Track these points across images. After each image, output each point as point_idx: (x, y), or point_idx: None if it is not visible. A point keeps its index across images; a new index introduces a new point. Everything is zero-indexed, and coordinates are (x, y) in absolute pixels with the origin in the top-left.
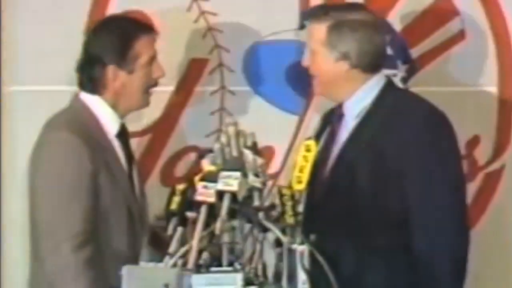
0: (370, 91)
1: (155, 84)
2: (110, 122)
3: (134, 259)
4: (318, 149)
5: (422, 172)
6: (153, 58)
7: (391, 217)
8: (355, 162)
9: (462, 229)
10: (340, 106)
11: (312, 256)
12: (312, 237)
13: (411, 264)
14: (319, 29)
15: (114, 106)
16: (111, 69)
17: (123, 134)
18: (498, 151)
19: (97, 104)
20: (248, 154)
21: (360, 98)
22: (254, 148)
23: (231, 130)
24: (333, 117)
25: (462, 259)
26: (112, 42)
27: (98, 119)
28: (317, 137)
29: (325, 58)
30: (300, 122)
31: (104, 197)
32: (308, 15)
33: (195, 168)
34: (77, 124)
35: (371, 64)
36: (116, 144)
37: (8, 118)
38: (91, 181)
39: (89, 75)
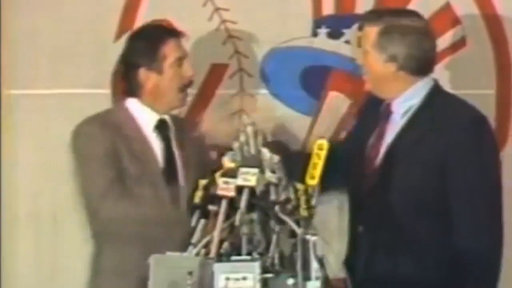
0: (418, 92)
1: (189, 83)
2: (146, 118)
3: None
4: (370, 143)
5: (466, 171)
6: (181, 59)
7: (434, 213)
8: (404, 159)
9: (498, 228)
10: (388, 105)
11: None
12: (360, 228)
13: (449, 258)
14: (372, 32)
15: (151, 106)
16: (142, 72)
17: (163, 128)
18: None
19: (135, 106)
20: (265, 152)
21: (407, 97)
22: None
23: (249, 130)
24: (380, 115)
25: (497, 255)
26: (141, 47)
27: (134, 117)
28: (362, 125)
29: (375, 59)
30: (313, 122)
31: (129, 178)
32: (363, 18)
33: (217, 164)
34: (102, 118)
35: (419, 67)
36: (153, 137)
37: (8, 121)
38: (113, 158)
39: (126, 80)
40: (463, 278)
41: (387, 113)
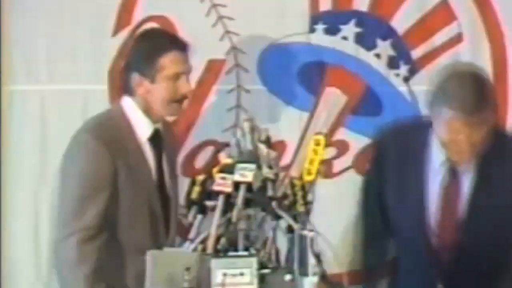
0: None
1: (182, 98)
2: (142, 126)
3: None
4: (436, 200)
5: None
6: (180, 74)
7: None
8: (488, 212)
9: None
10: (454, 162)
11: None
12: (439, 286)
13: None
14: (482, 120)
15: (146, 111)
16: (135, 76)
17: (156, 138)
18: None
19: (131, 108)
20: (262, 148)
21: None
22: (268, 142)
23: (246, 125)
24: (439, 174)
25: None
26: (140, 51)
27: (131, 122)
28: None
29: (485, 135)
30: (310, 118)
31: (124, 197)
32: (469, 114)
33: (214, 160)
34: (105, 128)
35: None
36: (147, 147)
37: (7, 117)
38: (108, 182)
39: (123, 79)
40: None
41: (453, 170)
